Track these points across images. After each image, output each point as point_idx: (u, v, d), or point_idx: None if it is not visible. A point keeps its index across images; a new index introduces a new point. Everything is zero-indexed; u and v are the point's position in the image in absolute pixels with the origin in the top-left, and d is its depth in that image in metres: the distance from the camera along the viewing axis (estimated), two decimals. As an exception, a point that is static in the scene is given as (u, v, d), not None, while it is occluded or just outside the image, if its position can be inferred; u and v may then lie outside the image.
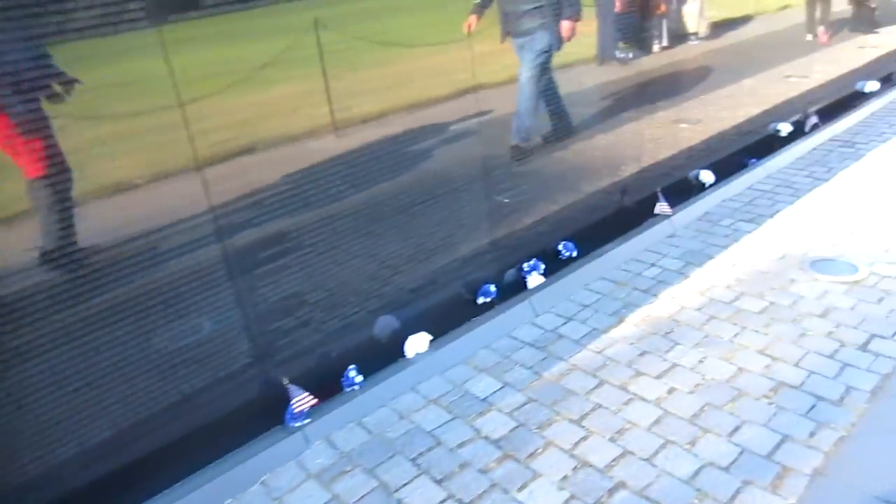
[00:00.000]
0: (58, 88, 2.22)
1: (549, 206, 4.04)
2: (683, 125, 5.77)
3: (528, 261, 3.82)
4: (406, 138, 3.32)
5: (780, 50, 7.09)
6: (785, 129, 5.66)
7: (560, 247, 3.97)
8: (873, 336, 3.00)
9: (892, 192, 4.46)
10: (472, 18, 3.55)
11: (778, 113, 5.99)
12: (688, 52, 6.10)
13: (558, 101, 4.16)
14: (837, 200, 4.47)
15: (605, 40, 6.32)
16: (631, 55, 5.99)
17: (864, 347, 2.93)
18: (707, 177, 4.88)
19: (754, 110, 6.08)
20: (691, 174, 4.94)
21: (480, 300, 3.57)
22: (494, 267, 3.72)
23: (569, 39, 4.09)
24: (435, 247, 3.47)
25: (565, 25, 4.03)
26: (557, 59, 4.31)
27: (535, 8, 3.95)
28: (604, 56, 6.26)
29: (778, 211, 4.43)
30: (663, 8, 7.16)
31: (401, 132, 3.29)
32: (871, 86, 6.82)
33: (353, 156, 3.12)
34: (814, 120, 5.96)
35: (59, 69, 2.19)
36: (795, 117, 6.00)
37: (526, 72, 3.99)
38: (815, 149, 5.56)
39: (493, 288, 3.57)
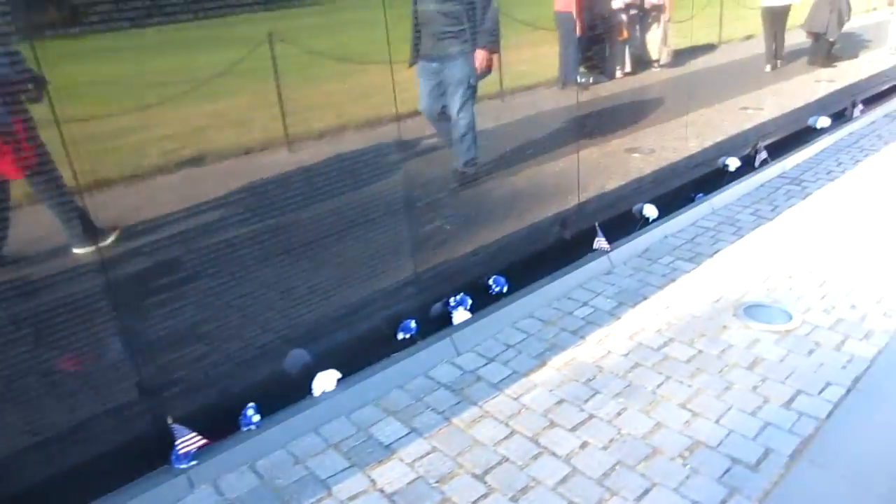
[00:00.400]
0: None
1: (484, 236, 3.87)
2: (636, 154, 5.68)
3: (456, 295, 3.64)
4: (333, 161, 3.12)
5: (739, 80, 7.04)
6: (733, 163, 5.59)
7: (490, 281, 3.80)
8: (799, 392, 2.88)
9: (835, 234, 4.38)
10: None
11: (730, 146, 5.93)
12: (649, 79, 6.09)
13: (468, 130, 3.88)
14: (779, 241, 4.38)
15: (567, 64, 6.31)
16: (591, 80, 5.91)
17: (788, 405, 2.80)
18: (650, 211, 4.77)
19: (707, 142, 6.01)
20: (635, 207, 4.82)
21: (400, 336, 3.38)
22: (419, 300, 3.54)
23: (484, 71, 3.72)
24: (355, 277, 3.27)
25: (479, 55, 3.65)
26: (520, 79, 4.24)
27: (458, 31, 3.60)
28: (565, 80, 6.24)
29: (718, 250, 4.33)
30: (625, 34, 7.11)
31: (326, 154, 3.09)
32: (823, 122, 6.82)
33: (266, 177, 2.92)
34: (763, 155, 5.91)
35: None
36: (746, 151, 5.94)
37: (456, 102, 3.71)
38: (762, 185, 5.50)
39: (413, 323, 3.39)
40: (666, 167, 5.30)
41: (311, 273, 3.09)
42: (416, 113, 3.49)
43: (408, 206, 3.41)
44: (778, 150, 6.19)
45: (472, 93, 3.69)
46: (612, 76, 6.28)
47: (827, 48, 9.10)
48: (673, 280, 3.96)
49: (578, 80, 5.47)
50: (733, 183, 5.44)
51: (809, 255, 4.12)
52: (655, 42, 7.50)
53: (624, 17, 7.14)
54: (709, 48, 6.89)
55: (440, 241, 3.61)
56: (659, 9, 7.85)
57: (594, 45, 5.47)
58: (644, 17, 7.52)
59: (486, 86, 3.86)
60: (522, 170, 4.07)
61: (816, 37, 8.94)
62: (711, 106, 6.71)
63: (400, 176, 3.36)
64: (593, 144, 4.70)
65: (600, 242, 4.20)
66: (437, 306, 3.61)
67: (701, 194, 5.26)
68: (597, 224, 4.27)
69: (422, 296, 3.54)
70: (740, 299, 3.68)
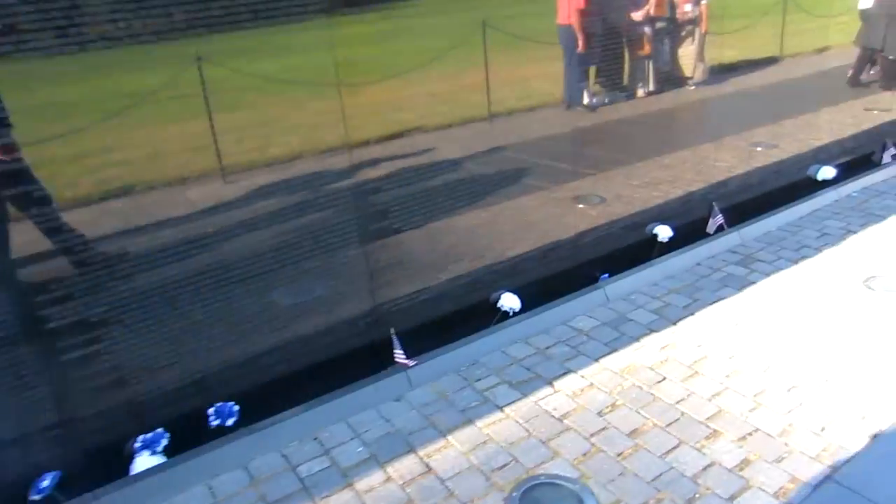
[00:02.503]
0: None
1: (204, 346, 2.95)
2: (581, 205, 4.61)
3: (149, 431, 2.75)
4: None
5: (779, 105, 6.20)
6: (663, 232, 4.35)
7: (212, 410, 2.87)
8: None
9: (766, 364, 3.15)
10: None
11: (695, 200, 4.71)
12: (671, 101, 5.49)
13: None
14: (645, 365, 3.19)
15: (570, 83, 5.34)
16: (606, 100, 5.40)
17: None
18: (509, 302, 3.67)
19: (676, 191, 4.83)
20: (493, 296, 3.74)
21: (36, 498, 2.52)
22: (94, 440, 2.68)
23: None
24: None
25: None
26: (517, 100, 3.94)
27: None
28: (570, 100, 5.28)
29: (568, 371, 3.19)
30: (647, 49, 6.16)
31: None
32: (826, 172, 5.37)
33: None
34: (719, 220, 4.62)
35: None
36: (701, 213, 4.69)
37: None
38: (699, 263, 4.24)
39: (45, 483, 2.51)
40: (602, 226, 4.20)
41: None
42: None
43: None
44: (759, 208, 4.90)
45: None
46: (632, 96, 5.76)
47: (890, 69, 7.54)
48: (471, 421, 2.88)
49: (587, 101, 5.10)
50: (661, 259, 4.22)
51: (660, 410, 2.93)
52: (689, 58, 6.51)
53: (646, 29, 6.15)
54: (760, 64, 6.17)
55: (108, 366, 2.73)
56: (693, 21, 6.87)
57: (605, 61, 4.97)
58: (676, 30, 6.62)
59: (473, 108, 3.73)
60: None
61: (870, 54, 7.45)
62: (717, 140, 5.56)
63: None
64: (532, 191, 4.01)
65: (399, 356, 3.18)
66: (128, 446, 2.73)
67: (606, 275, 4.09)
68: (393, 332, 3.24)
69: (101, 435, 2.67)
70: (533, 472, 2.57)
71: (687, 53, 7.48)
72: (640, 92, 6.76)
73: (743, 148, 5.68)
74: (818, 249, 4.31)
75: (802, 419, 2.73)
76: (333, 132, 2.89)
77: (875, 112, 7.17)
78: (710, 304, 3.72)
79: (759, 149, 5.87)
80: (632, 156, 5.17)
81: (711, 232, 4.64)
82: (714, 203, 4.66)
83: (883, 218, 4.73)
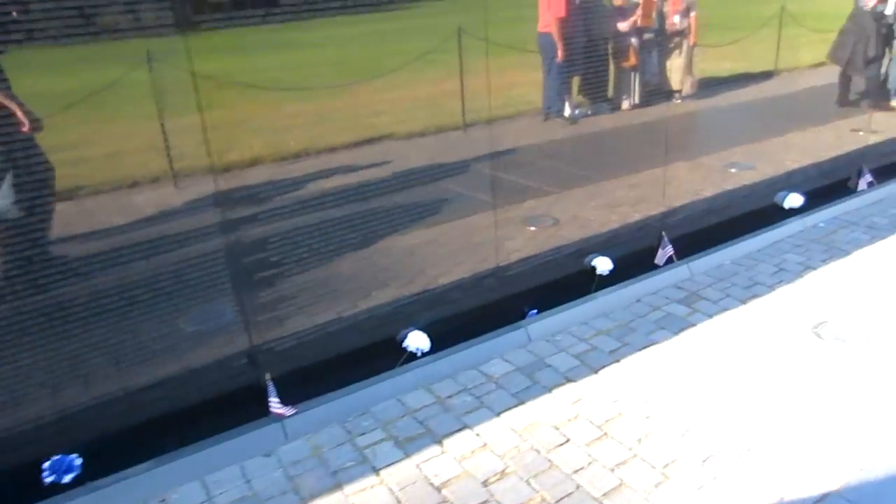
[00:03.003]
0: None
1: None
2: (531, 227, 4.29)
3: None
4: None
5: (765, 122, 5.92)
6: (603, 265, 4.00)
7: (47, 464, 2.54)
8: None
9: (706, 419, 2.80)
10: None
11: (652, 226, 4.38)
12: (655, 115, 5.18)
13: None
14: (555, 422, 2.84)
15: (549, 93, 5.16)
16: (589, 112, 5.23)
17: None
18: (416, 341, 3.33)
19: (636, 215, 4.51)
20: (401, 334, 3.40)
21: None
22: None
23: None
24: None
25: None
26: (492, 109, 3.64)
27: None
28: (549, 111, 5.14)
29: (463, 427, 2.85)
30: (633, 60, 5.88)
31: None
32: (793, 200, 5.01)
33: None
34: (669, 251, 4.27)
35: None
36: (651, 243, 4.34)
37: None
38: (639, 300, 3.90)
39: None
40: (544, 253, 3.92)
41: None
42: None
43: None
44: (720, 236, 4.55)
45: None
46: (617, 108, 5.64)
47: (846, 87, 7.23)
48: (339, 486, 2.54)
49: (569, 112, 4.99)
50: (594, 296, 3.87)
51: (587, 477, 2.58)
52: (678, 70, 6.33)
53: (633, 40, 5.88)
54: (745, 80, 6.01)
55: None
56: (682, 33, 6.61)
57: (588, 71, 4.76)
58: (664, 42, 6.37)
59: (446, 116, 3.63)
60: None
61: (842, 72, 7.16)
62: (694, 159, 5.29)
63: None
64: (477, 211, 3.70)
65: (275, 404, 2.84)
66: None
67: (535, 311, 3.74)
68: (268, 377, 2.90)
69: None
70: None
71: (675, 66, 7.21)
72: (626, 104, 6.52)
73: (717, 168, 5.37)
74: (771, 287, 3.95)
75: (713, 498, 2.38)
76: (194, 154, 2.55)
77: (861, 133, 6.83)
78: (641, 349, 3.37)
79: (733, 170, 5.56)
80: (600, 173, 4.84)
81: (661, 264, 4.29)
82: (664, 232, 4.30)
83: (846, 253, 4.37)
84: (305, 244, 2.98)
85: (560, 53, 5.11)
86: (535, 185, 4.55)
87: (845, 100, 7.52)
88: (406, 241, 3.45)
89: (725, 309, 3.73)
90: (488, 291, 3.73)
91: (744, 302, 3.79)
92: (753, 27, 7.06)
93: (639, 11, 6.41)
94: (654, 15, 6.60)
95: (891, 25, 7.51)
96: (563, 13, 5.40)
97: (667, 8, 7.28)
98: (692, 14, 7.14)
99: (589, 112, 6.16)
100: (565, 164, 4.60)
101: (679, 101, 6.62)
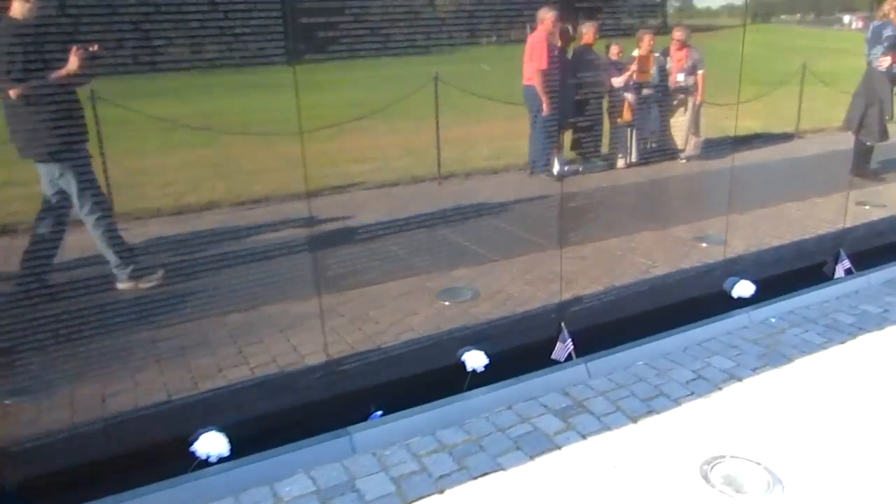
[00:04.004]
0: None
1: None
2: (447, 302, 3.83)
3: None
4: None
5: (762, 188, 5.52)
6: (475, 360, 3.38)
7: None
8: None
9: None
10: None
11: (579, 310, 3.79)
12: (647, 175, 5.05)
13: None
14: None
15: (536, 147, 4.98)
16: (580, 169, 5.01)
17: None
18: (208, 446, 2.78)
19: (566, 294, 3.94)
20: (193, 436, 2.85)
21: None
22: None
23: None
24: None
25: None
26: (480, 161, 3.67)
27: None
28: (534, 166, 4.93)
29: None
30: (627, 116, 5.61)
31: None
32: (743, 288, 4.30)
33: None
34: (569, 346, 3.64)
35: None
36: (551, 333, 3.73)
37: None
38: (510, 407, 3.27)
39: None
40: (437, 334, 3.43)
41: None
42: None
43: None
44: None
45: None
46: (612, 166, 5.40)
47: (861, 154, 6.54)
48: None
49: (557, 168, 4.67)
50: (457, 398, 3.27)
51: None
52: (682, 129, 6.07)
53: (627, 95, 5.54)
54: (756, 141, 5.65)
55: None
56: (688, 91, 6.24)
57: (580, 126, 4.55)
58: (665, 99, 6.05)
59: (423, 166, 3.56)
60: None
61: (856, 138, 6.51)
62: (664, 229, 4.98)
63: None
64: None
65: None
66: None
67: (379, 412, 3.15)
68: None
69: None
70: None
71: (679, 124, 6.69)
72: (621, 162, 6.09)
73: (684, 241, 4.79)
74: (676, 402, 3.28)
75: None
76: None
77: (867, 207, 6.13)
78: (477, 477, 2.75)
79: (703, 245, 4.97)
80: (555, 239, 4.29)
81: (561, 359, 3.66)
82: (563, 324, 3.66)
83: (787, 361, 3.65)
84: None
85: (545, 107, 4.84)
86: (490, 250, 4.06)
87: (859, 168, 6.82)
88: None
89: (608, 428, 3.07)
90: (341, 382, 3.17)
91: (634, 420, 3.13)
92: (771, 84, 6.65)
93: (634, 66, 6.02)
94: (651, 70, 6.14)
95: (909, 86, 6.77)
96: (545, 65, 5.12)
97: (670, 64, 6.75)
98: (699, 72, 6.59)
99: (580, 169, 5.76)
100: (519, 228, 4.05)
101: (683, 160, 6.15)
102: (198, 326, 2.88)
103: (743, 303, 4.29)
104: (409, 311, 3.84)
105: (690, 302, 4.34)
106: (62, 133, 2.43)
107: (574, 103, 5.07)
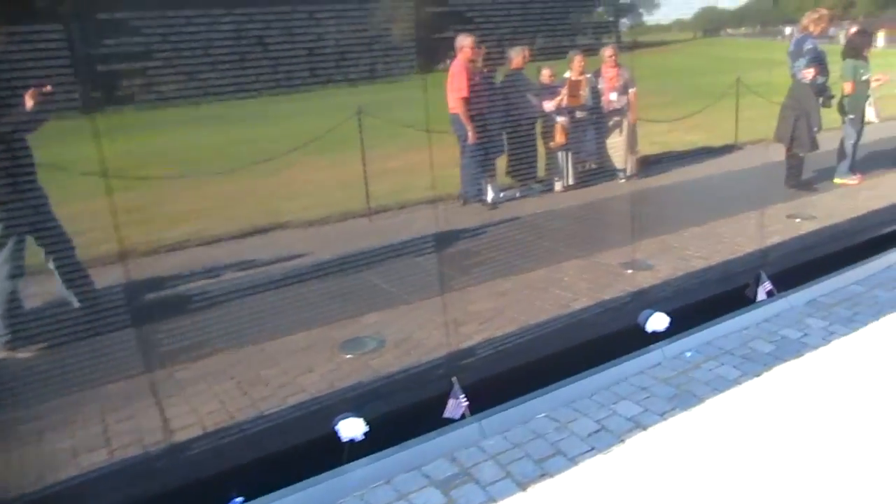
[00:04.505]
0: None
1: None
2: (349, 355, 3.59)
3: None
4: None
5: (695, 206, 5.54)
6: (350, 429, 3.06)
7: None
8: None
9: None
10: None
11: (479, 356, 3.52)
12: (580, 199, 5.01)
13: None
14: None
15: (467, 175, 5.10)
16: (517, 194, 5.11)
17: None
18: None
19: (471, 340, 3.68)
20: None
21: None
22: None
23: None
24: None
25: None
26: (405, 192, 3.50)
27: None
28: (465, 195, 5.06)
29: None
30: (560, 139, 5.71)
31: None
32: (657, 322, 4.05)
33: None
34: (462, 403, 3.34)
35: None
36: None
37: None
38: (388, 481, 2.94)
39: None
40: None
41: None
42: None
43: None
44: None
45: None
46: (550, 189, 5.59)
47: (794, 167, 6.51)
48: None
49: (492, 196, 4.75)
50: (329, 474, 2.94)
51: None
52: (619, 149, 6.24)
53: (559, 119, 5.49)
54: (693, 157, 5.70)
55: None
56: (621, 112, 6.21)
57: (513, 152, 4.38)
58: (600, 120, 6.23)
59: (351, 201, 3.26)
60: None
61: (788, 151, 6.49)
62: (588, 256, 4.89)
63: None
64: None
65: None
66: None
67: (240, 499, 2.81)
68: None
69: None
70: None
71: (615, 144, 6.62)
72: (558, 185, 6.04)
73: (609, 270, 4.59)
74: (573, 461, 3.01)
75: None
76: None
77: (797, 220, 6.03)
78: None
79: (628, 271, 4.78)
80: (473, 276, 4.03)
81: (456, 417, 3.35)
82: (454, 379, 3.37)
83: (699, 400, 3.40)
84: None
85: (470, 135, 4.76)
86: (407, 292, 3.93)
87: (792, 180, 6.77)
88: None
89: (493, 499, 2.79)
90: (195, 464, 2.83)
91: (523, 487, 2.85)
92: (709, 100, 6.70)
93: (564, 91, 5.95)
94: (582, 93, 6.06)
95: (831, 98, 6.74)
96: (465, 93, 5.05)
97: (602, 84, 6.63)
98: (631, 91, 6.49)
99: (517, 195, 5.70)
100: (453, 263, 3.80)
101: (623, 180, 6.10)
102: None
103: (662, 336, 4.04)
104: (304, 369, 3.59)
105: (610, 337, 4.09)
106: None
107: (505, 129, 4.85)
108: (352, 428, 3.04)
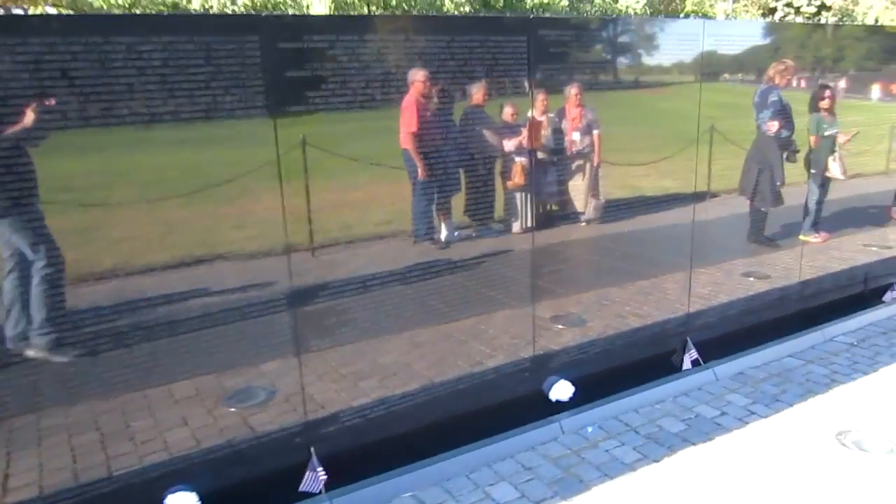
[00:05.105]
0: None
1: None
2: (232, 409, 3.28)
3: None
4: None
5: (653, 257, 5.13)
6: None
7: None
8: None
9: None
10: None
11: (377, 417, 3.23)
12: (533, 242, 4.63)
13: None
14: None
15: (417, 213, 4.84)
16: (473, 234, 4.83)
17: None
18: None
19: (356, 402, 3.40)
20: None
21: None
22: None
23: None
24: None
25: None
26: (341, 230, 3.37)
27: None
28: (416, 234, 4.81)
29: None
30: (519, 179, 5.41)
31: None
32: (561, 390, 3.75)
33: None
34: (318, 477, 3.04)
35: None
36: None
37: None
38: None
39: None
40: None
41: None
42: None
43: None
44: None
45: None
46: (507, 231, 5.26)
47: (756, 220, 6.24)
48: None
49: (445, 234, 4.53)
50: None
51: None
52: (581, 192, 5.97)
53: (518, 159, 5.31)
54: (659, 203, 5.34)
55: None
56: (586, 156, 6.03)
57: (469, 191, 4.33)
58: (562, 161, 5.98)
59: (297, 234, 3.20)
60: None
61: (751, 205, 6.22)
62: (521, 307, 4.38)
63: None
64: None
65: None
66: None
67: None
68: None
69: None
70: None
71: (578, 186, 6.39)
72: (516, 227, 5.78)
73: (539, 324, 4.26)
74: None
75: None
76: None
77: (751, 280, 5.73)
78: None
79: (559, 326, 4.47)
80: (388, 326, 3.76)
81: (315, 491, 3.07)
82: (312, 449, 3.08)
83: (584, 487, 3.10)
84: None
85: (420, 171, 4.50)
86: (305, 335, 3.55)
87: (754, 235, 6.47)
88: None
89: None
90: None
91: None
92: (677, 146, 6.47)
93: (524, 132, 5.72)
94: (544, 134, 5.82)
95: (796, 152, 6.48)
96: (415, 128, 4.81)
97: (564, 124, 6.39)
98: (595, 132, 6.25)
99: (473, 234, 5.45)
100: (372, 312, 3.52)
101: (584, 223, 5.86)
102: None
103: (567, 406, 3.74)
104: (175, 423, 3.26)
105: (514, 403, 3.80)
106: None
107: (461, 166, 4.70)
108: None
